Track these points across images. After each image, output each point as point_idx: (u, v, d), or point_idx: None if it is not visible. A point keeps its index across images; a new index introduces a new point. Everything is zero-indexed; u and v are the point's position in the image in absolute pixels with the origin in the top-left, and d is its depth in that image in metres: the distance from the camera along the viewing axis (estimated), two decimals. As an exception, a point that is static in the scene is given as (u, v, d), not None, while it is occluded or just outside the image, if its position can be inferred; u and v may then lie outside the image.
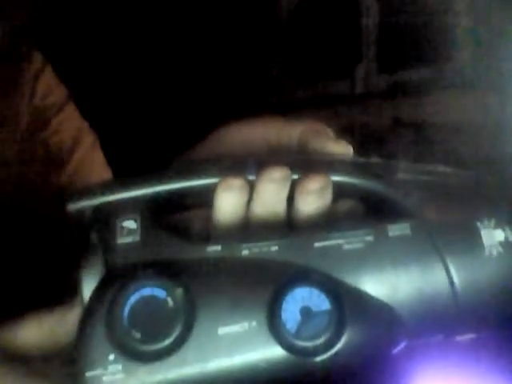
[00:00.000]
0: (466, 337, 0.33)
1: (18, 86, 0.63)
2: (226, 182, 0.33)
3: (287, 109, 1.61)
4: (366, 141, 1.56)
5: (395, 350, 0.32)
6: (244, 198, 0.33)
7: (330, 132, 0.38)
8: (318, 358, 0.30)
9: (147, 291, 0.30)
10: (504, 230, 0.32)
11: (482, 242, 0.32)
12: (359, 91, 1.70)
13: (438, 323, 0.32)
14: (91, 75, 1.31)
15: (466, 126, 1.51)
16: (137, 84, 1.44)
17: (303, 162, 0.35)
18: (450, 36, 1.55)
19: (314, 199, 0.33)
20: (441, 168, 0.36)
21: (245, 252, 0.32)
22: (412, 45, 1.59)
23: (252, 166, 0.34)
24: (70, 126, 0.66)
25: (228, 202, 0.33)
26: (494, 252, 0.32)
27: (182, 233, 0.34)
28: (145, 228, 0.33)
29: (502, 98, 1.45)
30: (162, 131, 1.34)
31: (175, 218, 0.36)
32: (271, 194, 0.33)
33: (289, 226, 0.34)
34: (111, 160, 0.68)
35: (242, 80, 1.59)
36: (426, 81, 1.60)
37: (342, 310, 0.30)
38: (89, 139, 0.67)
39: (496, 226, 0.32)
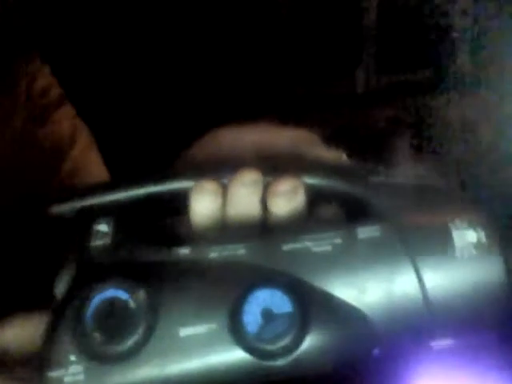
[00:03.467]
0: (440, 342, 0.32)
1: (14, 85, 0.63)
2: (200, 186, 0.34)
3: (287, 109, 1.60)
4: (365, 141, 1.55)
5: (368, 357, 0.31)
6: (218, 201, 0.34)
7: (319, 140, 0.39)
8: (280, 362, 0.29)
9: (110, 293, 0.30)
10: (476, 231, 0.31)
11: (453, 243, 0.31)
12: (359, 91, 1.69)
13: (410, 328, 0.31)
14: (89, 75, 1.32)
15: (465, 126, 1.51)
16: (136, 85, 1.44)
17: (279, 166, 0.35)
18: (449, 36, 1.55)
19: (284, 201, 0.33)
20: (418, 171, 0.35)
21: (213, 255, 0.31)
22: (412, 45, 1.59)
23: (227, 170, 0.34)
24: (67, 126, 0.66)
25: (203, 206, 0.34)
26: (466, 254, 0.31)
27: (161, 236, 0.34)
28: (117, 231, 0.33)
29: (501, 98, 1.44)
30: (161, 133, 1.35)
31: (160, 222, 0.36)
32: (243, 197, 0.33)
33: (263, 228, 0.34)
34: (109, 161, 0.68)
35: (242, 80, 1.59)
36: (425, 81, 1.60)
37: (305, 312, 0.30)
38: (85, 140, 0.67)
39: (468, 228, 0.31)
